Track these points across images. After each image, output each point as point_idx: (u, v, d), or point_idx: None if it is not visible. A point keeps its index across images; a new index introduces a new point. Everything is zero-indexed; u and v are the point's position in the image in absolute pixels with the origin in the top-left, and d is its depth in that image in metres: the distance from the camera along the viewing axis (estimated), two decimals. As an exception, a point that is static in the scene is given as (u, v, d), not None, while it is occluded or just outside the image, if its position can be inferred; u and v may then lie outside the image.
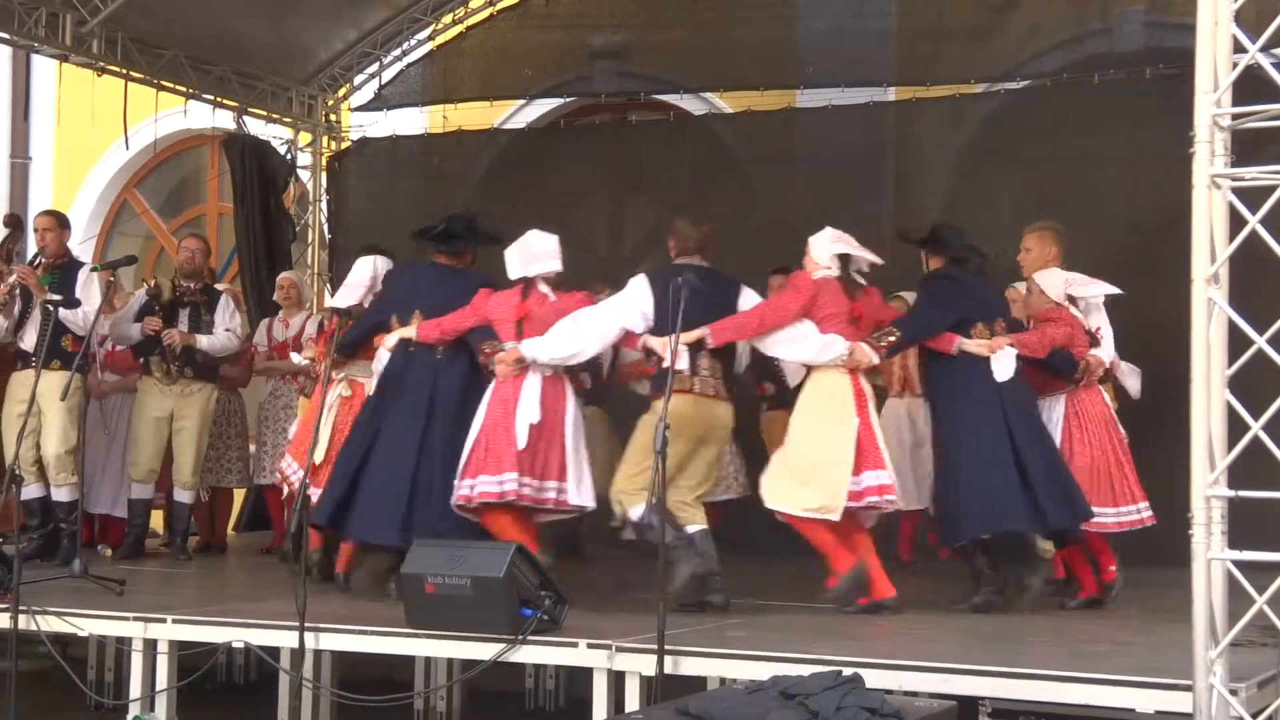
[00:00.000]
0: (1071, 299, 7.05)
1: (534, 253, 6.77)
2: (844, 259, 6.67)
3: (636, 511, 6.33)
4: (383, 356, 6.96)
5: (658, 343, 6.39)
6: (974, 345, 6.64)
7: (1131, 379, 7.47)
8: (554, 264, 6.77)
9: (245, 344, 9.33)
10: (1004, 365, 6.58)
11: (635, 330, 6.54)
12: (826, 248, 6.66)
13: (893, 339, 6.61)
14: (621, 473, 6.50)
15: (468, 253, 7.23)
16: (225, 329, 8.69)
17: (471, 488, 6.41)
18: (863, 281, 6.77)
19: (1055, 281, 7.01)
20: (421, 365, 6.83)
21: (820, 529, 6.36)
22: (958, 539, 6.70)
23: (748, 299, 6.68)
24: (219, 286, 9.60)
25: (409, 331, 6.87)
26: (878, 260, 6.79)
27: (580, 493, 6.52)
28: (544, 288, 6.76)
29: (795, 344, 6.51)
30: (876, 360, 6.60)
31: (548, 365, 6.51)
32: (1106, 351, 7.08)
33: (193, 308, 8.61)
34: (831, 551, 6.42)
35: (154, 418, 8.57)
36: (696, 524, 6.43)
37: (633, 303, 6.57)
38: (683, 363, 6.25)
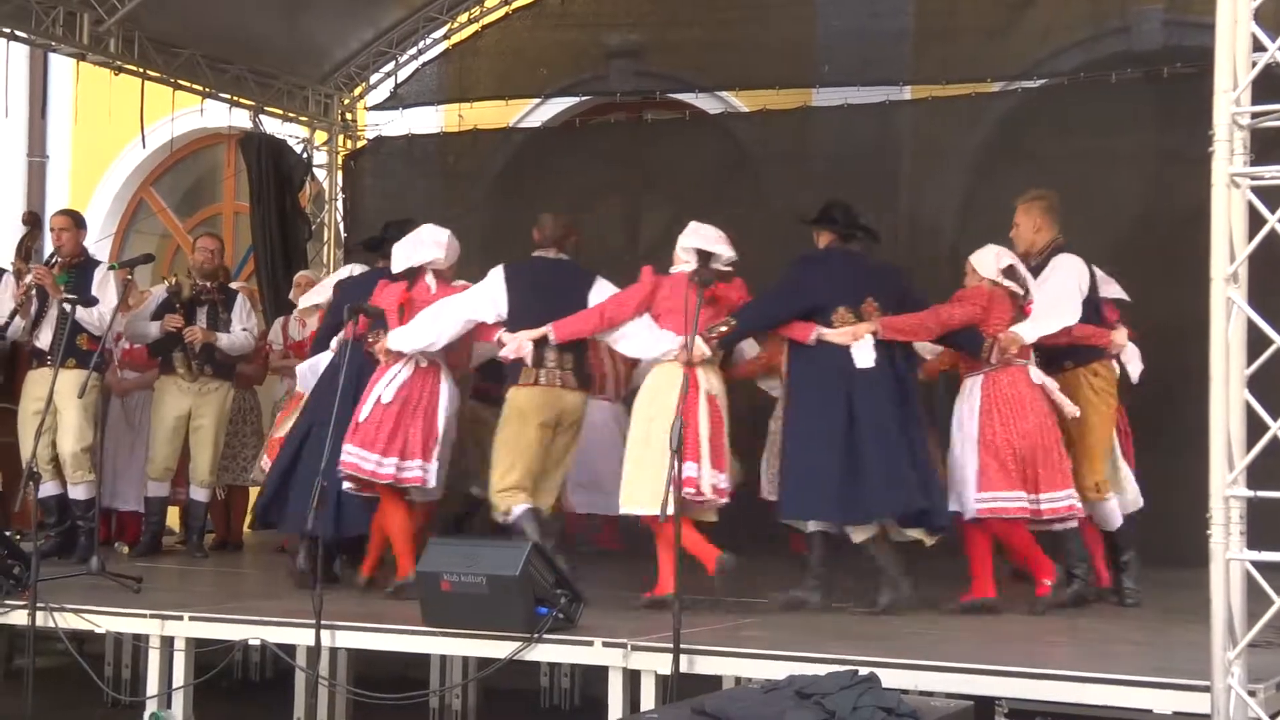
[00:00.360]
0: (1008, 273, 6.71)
1: (419, 242, 6.99)
2: (705, 254, 6.61)
3: (517, 511, 6.55)
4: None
5: (510, 338, 6.62)
6: (834, 335, 6.43)
7: (1134, 362, 7.25)
8: (436, 253, 6.96)
9: (260, 342, 9.36)
10: (863, 353, 6.37)
11: (485, 321, 6.73)
12: (684, 241, 6.68)
13: (724, 329, 6.47)
14: (494, 474, 6.67)
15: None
16: (243, 328, 8.73)
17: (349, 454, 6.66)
18: (727, 270, 6.67)
19: (987, 259, 6.75)
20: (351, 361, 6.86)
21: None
22: (777, 522, 6.77)
23: (600, 292, 6.77)
24: (233, 285, 9.64)
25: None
26: (733, 255, 6.70)
27: (437, 477, 6.75)
28: (429, 279, 6.95)
29: (635, 339, 6.62)
30: (709, 353, 6.45)
31: (420, 354, 6.73)
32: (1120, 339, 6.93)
33: (210, 306, 8.65)
34: (700, 551, 6.31)
35: (172, 416, 8.61)
36: (525, 504, 6.59)
37: (485, 294, 6.78)
38: (526, 357, 6.58)
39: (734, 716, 4.25)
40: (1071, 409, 6.67)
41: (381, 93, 11.62)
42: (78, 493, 8.17)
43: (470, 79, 11.34)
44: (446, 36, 11.30)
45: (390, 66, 11.42)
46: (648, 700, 5.25)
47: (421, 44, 11.29)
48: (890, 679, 4.64)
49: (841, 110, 10.26)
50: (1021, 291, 6.71)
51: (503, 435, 6.69)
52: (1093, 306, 6.96)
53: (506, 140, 11.47)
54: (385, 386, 6.73)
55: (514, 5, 11.10)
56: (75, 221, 8.51)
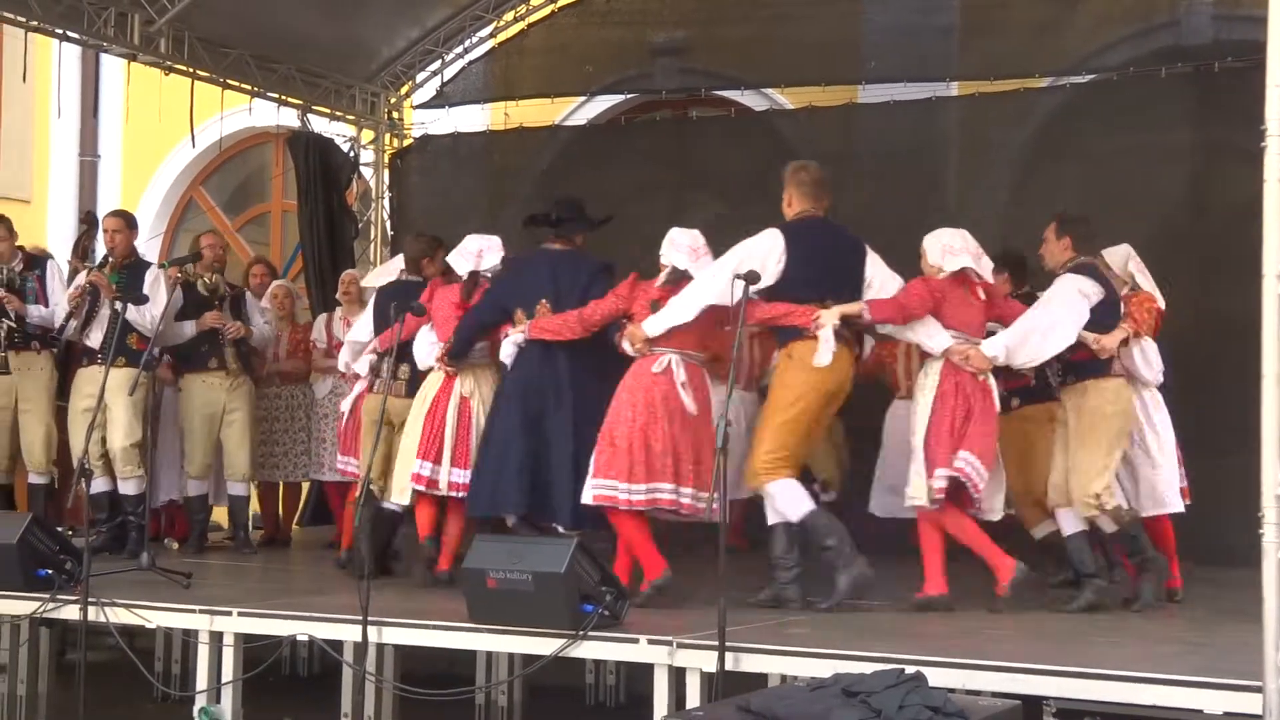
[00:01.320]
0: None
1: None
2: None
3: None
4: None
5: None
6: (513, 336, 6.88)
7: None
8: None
9: (303, 339, 9.46)
10: (507, 350, 6.86)
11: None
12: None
13: (441, 351, 7.10)
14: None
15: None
16: (264, 321, 8.84)
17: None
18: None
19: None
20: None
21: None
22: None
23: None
24: (276, 283, 9.72)
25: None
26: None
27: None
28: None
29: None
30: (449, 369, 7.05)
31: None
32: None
33: (231, 300, 8.74)
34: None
35: (205, 414, 8.69)
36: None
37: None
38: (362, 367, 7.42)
39: (780, 714, 4.24)
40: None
41: (428, 91, 11.66)
42: (128, 488, 8.26)
43: (516, 77, 11.37)
44: (492, 35, 11.33)
45: (436, 65, 11.46)
46: (693, 698, 5.25)
47: (467, 42, 11.32)
48: (937, 678, 4.62)
49: (887, 107, 10.22)
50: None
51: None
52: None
53: (552, 138, 11.49)
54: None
55: (559, 3, 11.11)
56: (127, 222, 8.62)
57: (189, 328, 8.53)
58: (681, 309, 6.42)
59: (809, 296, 6.41)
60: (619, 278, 7.02)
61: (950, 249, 6.65)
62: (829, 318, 6.34)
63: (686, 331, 6.45)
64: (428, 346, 7.29)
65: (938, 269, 6.64)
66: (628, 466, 6.31)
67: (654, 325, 6.44)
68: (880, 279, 6.62)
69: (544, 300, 6.85)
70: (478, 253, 7.30)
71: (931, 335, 6.46)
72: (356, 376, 8.82)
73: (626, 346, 6.53)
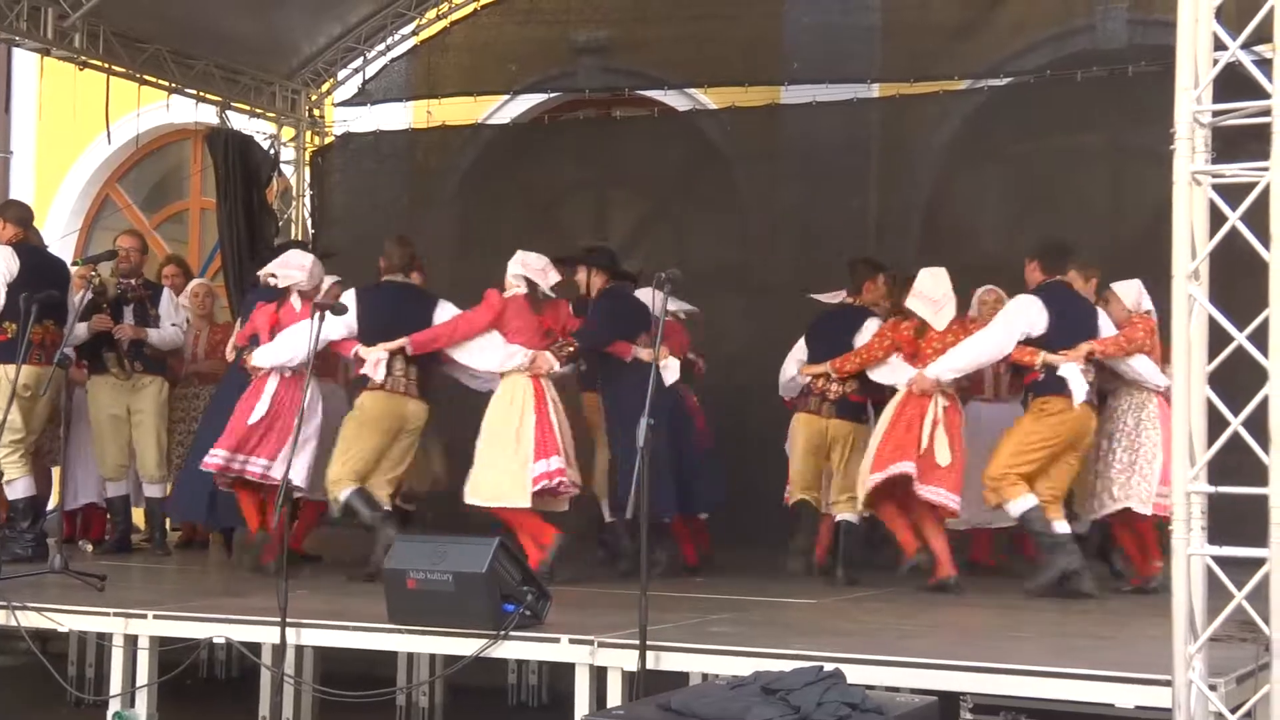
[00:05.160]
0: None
1: (285, 265, 7.88)
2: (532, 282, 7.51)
3: (345, 494, 7.35)
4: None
5: (367, 352, 7.43)
6: (647, 354, 7.22)
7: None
8: (299, 276, 7.80)
9: (222, 338, 9.34)
10: (671, 371, 7.47)
11: (334, 338, 7.42)
12: (513, 268, 7.53)
13: (571, 349, 7.48)
14: (334, 462, 7.42)
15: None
16: (172, 323, 8.73)
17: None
18: (552, 295, 7.65)
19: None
20: None
21: (521, 515, 7.23)
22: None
23: (444, 312, 7.61)
24: (195, 282, 9.59)
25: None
26: (552, 282, 7.54)
27: (277, 470, 7.39)
28: (294, 299, 7.79)
29: (484, 353, 7.44)
30: (558, 367, 7.41)
31: (284, 367, 7.56)
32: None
33: (137, 303, 8.62)
34: (536, 531, 7.24)
35: (110, 415, 8.58)
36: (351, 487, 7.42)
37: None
38: (380, 371, 7.42)
39: (700, 713, 4.25)
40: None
41: (349, 89, 11.58)
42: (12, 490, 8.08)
43: (439, 75, 11.32)
44: (415, 32, 11.27)
45: (358, 62, 11.39)
46: (614, 697, 5.25)
47: (390, 40, 11.25)
48: (855, 674, 4.65)
49: (810, 108, 10.29)
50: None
51: (347, 431, 7.48)
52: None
53: (475, 137, 11.46)
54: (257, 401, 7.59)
55: (482, 1, 11.09)
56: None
57: (83, 330, 8.38)
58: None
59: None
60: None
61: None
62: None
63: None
64: (503, 351, 7.40)
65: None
66: None
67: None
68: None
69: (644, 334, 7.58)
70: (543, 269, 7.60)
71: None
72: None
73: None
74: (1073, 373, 7.08)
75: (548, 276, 7.54)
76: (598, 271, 7.83)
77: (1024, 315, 7.22)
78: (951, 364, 7.28)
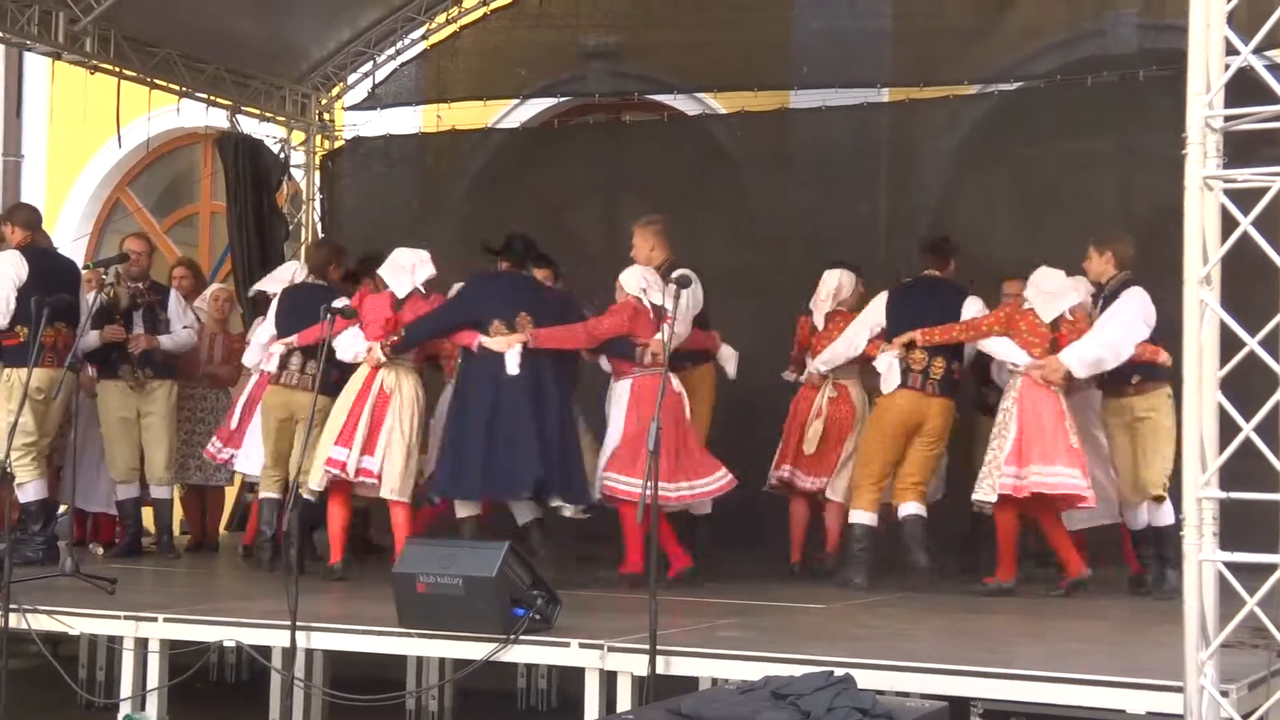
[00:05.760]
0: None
1: (420, 264, 7.72)
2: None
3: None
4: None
5: (490, 342, 7.39)
6: (491, 342, 7.34)
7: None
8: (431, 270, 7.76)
9: (235, 343, 9.36)
10: (512, 360, 7.32)
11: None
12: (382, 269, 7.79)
13: (395, 339, 7.48)
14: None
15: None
16: (183, 326, 8.75)
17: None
18: (421, 290, 7.69)
19: (630, 279, 7.63)
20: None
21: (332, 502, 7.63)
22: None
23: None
24: (216, 287, 9.61)
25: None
26: (422, 278, 7.64)
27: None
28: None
29: (347, 347, 7.54)
30: (382, 358, 7.45)
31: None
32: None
33: (147, 308, 8.63)
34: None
35: (120, 418, 8.59)
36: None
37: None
38: (272, 364, 7.95)
39: (709, 717, 4.26)
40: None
41: (359, 93, 11.59)
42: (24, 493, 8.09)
43: (448, 79, 11.34)
44: (424, 37, 11.28)
45: (368, 66, 11.40)
46: (624, 701, 5.25)
47: (399, 44, 11.27)
48: (865, 680, 4.65)
49: (819, 112, 10.28)
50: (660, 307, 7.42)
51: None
52: None
53: (484, 141, 11.46)
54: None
55: (492, 6, 11.09)
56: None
57: (94, 337, 8.40)
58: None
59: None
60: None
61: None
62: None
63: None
64: (354, 342, 7.55)
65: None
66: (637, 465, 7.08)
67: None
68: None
69: (524, 314, 7.37)
70: (411, 267, 7.67)
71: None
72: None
73: (648, 358, 7.37)
74: (883, 362, 7.56)
75: (415, 273, 7.64)
76: (502, 259, 7.86)
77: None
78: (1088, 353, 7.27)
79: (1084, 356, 7.24)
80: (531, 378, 7.32)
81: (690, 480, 7.44)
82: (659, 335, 7.26)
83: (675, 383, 7.35)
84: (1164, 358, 7.16)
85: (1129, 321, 7.26)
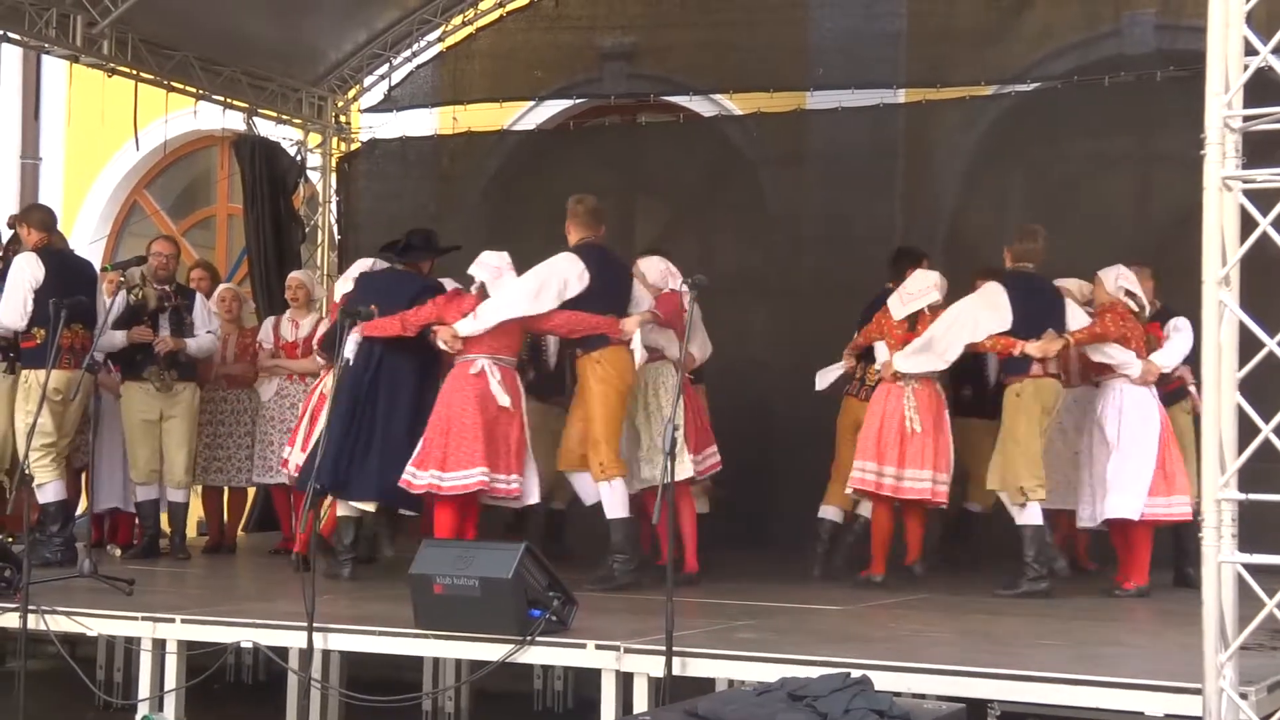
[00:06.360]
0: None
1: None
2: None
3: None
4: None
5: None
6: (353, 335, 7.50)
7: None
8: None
9: (250, 342, 9.39)
10: (348, 347, 7.47)
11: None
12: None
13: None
14: None
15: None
16: (207, 330, 8.75)
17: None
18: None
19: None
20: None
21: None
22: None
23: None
24: (223, 286, 9.63)
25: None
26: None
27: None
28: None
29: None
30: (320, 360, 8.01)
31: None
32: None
33: (173, 311, 8.64)
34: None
35: (143, 420, 8.60)
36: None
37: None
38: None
39: (727, 718, 4.25)
40: None
41: (375, 95, 11.62)
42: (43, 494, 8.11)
43: (464, 81, 11.35)
44: (440, 39, 11.30)
45: (384, 69, 11.43)
46: (641, 703, 5.25)
47: (415, 46, 11.29)
48: (882, 681, 4.64)
49: (835, 113, 10.27)
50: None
51: None
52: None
53: (501, 143, 11.48)
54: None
55: (508, 8, 11.10)
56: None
57: (120, 337, 8.43)
58: (487, 316, 7.25)
59: (606, 310, 7.26)
60: None
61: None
62: (633, 325, 7.26)
63: (496, 337, 7.32)
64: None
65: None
66: (443, 456, 7.17)
67: (465, 327, 7.30)
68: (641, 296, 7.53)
69: (373, 305, 7.39)
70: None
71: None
72: (304, 379, 8.81)
73: (440, 344, 7.37)
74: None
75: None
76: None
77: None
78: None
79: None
80: (371, 371, 7.53)
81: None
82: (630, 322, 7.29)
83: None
84: (1021, 349, 7.29)
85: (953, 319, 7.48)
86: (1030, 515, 7.30)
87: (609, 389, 7.23)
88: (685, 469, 7.35)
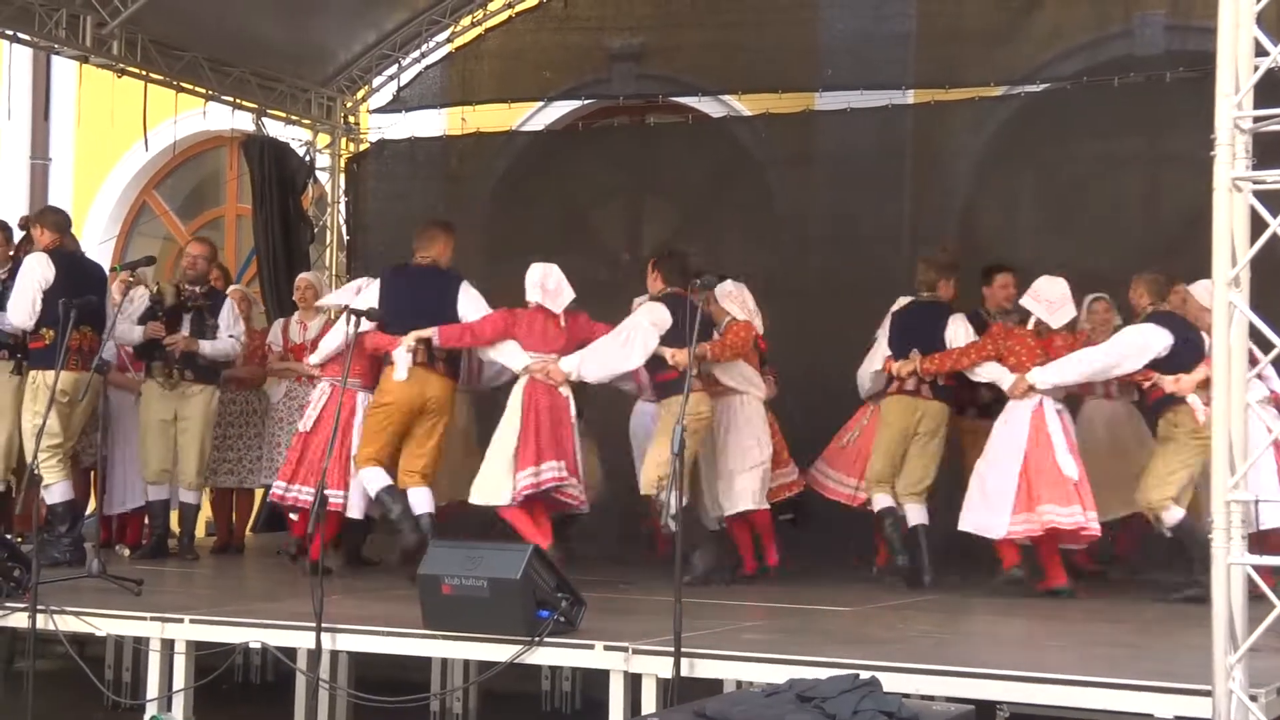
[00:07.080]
0: None
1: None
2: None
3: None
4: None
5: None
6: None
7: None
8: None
9: (258, 344, 9.38)
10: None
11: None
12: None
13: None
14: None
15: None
16: (229, 334, 8.73)
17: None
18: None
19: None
20: None
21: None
22: None
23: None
24: (232, 288, 9.64)
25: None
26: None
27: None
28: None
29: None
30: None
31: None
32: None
33: (196, 312, 8.64)
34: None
35: (159, 420, 8.60)
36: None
37: None
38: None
39: (735, 720, 4.25)
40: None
41: (384, 96, 11.62)
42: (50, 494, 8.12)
43: (473, 82, 11.35)
44: (449, 40, 11.31)
45: (393, 69, 11.43)
46: (649, 704, 5.25)
47: (424, 47, 11.30)
48: (891, 683, 4.63)
49: (844, 114, 10.27)
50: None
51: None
52: None
53: (509, 143, 11.48)
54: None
55: (516, 9, 11.11)
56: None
57: (138, 332, 8.46)
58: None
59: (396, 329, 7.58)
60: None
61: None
62: (409, 341, 7.52)
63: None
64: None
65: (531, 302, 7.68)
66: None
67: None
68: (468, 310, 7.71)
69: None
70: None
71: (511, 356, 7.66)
72: (314, 381, 8.76)
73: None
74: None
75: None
76: None
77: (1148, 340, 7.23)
78: (1058, 375, 7.35)
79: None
80: None
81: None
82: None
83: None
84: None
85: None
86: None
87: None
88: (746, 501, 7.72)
